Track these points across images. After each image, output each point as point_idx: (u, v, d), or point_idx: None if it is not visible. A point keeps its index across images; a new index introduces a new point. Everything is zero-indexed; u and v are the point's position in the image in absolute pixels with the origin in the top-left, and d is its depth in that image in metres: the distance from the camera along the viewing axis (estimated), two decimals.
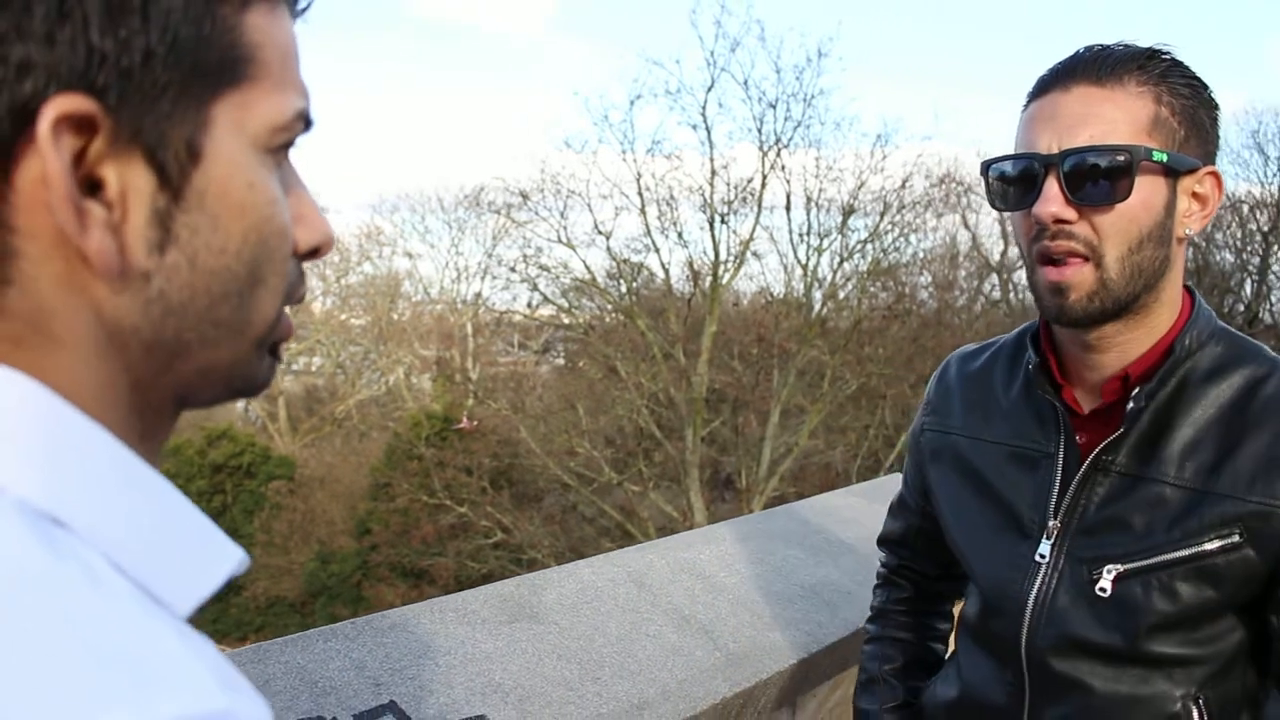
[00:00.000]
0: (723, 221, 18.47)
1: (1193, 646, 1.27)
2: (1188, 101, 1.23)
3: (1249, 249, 20.32)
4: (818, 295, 19.13)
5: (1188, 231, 1.26)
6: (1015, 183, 1.26)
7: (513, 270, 21.06)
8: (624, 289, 19.72)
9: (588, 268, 19.87)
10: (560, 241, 19.71)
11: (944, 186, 20.19)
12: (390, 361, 31.09)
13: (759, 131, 18.40)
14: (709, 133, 18.47)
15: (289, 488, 23.88)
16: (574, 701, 1.88)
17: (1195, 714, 1.28)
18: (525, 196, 19.97)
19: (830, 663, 2.33)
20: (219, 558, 0.56)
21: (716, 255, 18.43)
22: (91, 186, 0.50)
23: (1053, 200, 1.20)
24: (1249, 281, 20.40)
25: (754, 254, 19.26)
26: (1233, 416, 1.25)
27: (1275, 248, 20.05)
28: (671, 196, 18.77)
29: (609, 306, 20.04)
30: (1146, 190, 1.20)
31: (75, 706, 0.39)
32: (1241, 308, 20.13)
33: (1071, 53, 1.26)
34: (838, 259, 18.94)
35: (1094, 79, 1.21)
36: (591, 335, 19.64)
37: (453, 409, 22.33)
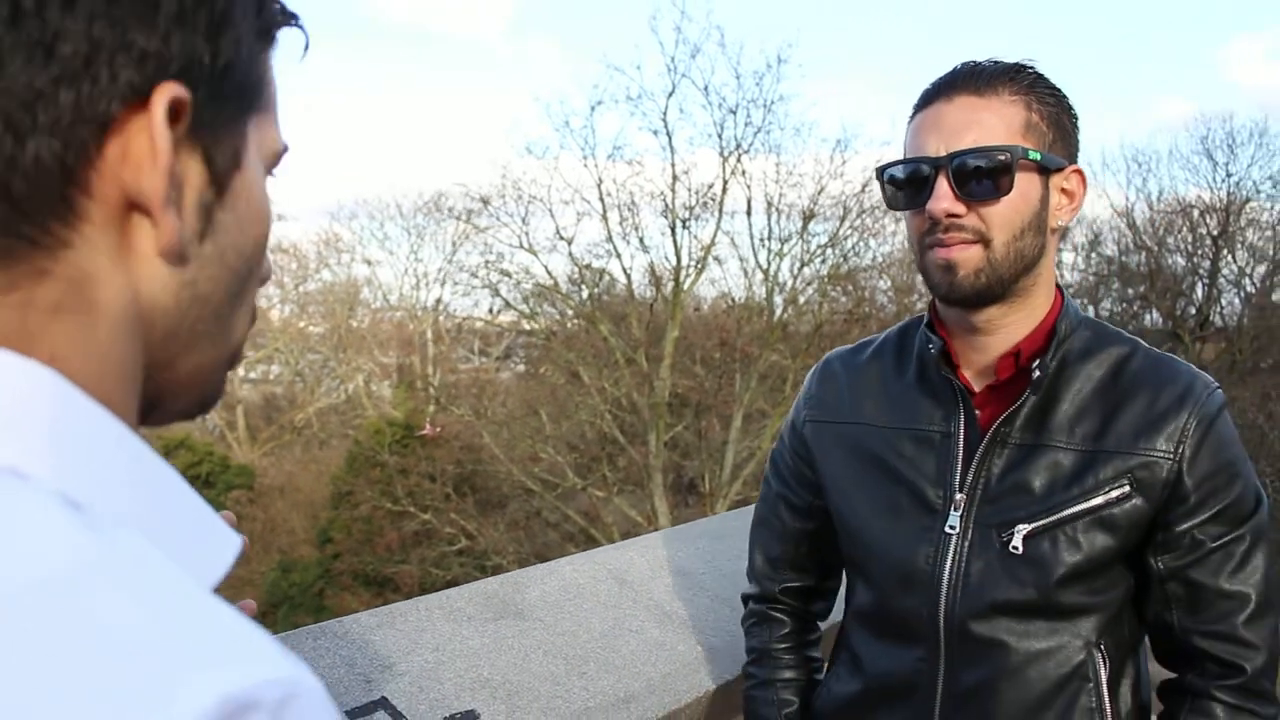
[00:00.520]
0: (684, 227, 18.54)
1: (1093, 595, 1.42)
2: (1053, 108, 1.41)
3: (1199, 253, 20.69)
4: (779, 300, 19.23)
5: (1060, 223, 1.44)
6: (908, 184, 1.42)
7: (474, 276, 21.00)
8: (586, 294, 19.71)
9: (550, 273, 19.86)
10: (522, 247, 19.69)
11: None
12: (350, 369, 30.86)
13: (719, 137, 18.49)
14: (670, 138, 18.53)
15: (248, 497, 23.60)
16: (561, 696, 1.91)
17: (1098, 658, 1.42)
18: (486, 202, 19.92)
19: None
20: (223, 544, 0.58)
21: (678, 260, 18.49)
22: None
23: (944, 197, 1.36)
24: (1200, 285, 20.76)
25: (715, 259, 19.36)
26: (1108, 387, 1.44)
27: (1225, 252, 20.44)
28: (633, 202, 18.81)
29: (571, 312, 20.03)
30: (1024, 185, 1.37)
31: (164, 675, 0.41)
32: (1193, 310, 20.49)
33: (950, 69, 1.42)
34: (798, 264, 19.07)
35: (973, 90, 1.38)
36: (554, 341, 19.62)
37: (414, 416, 22.20)
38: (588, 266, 19.50)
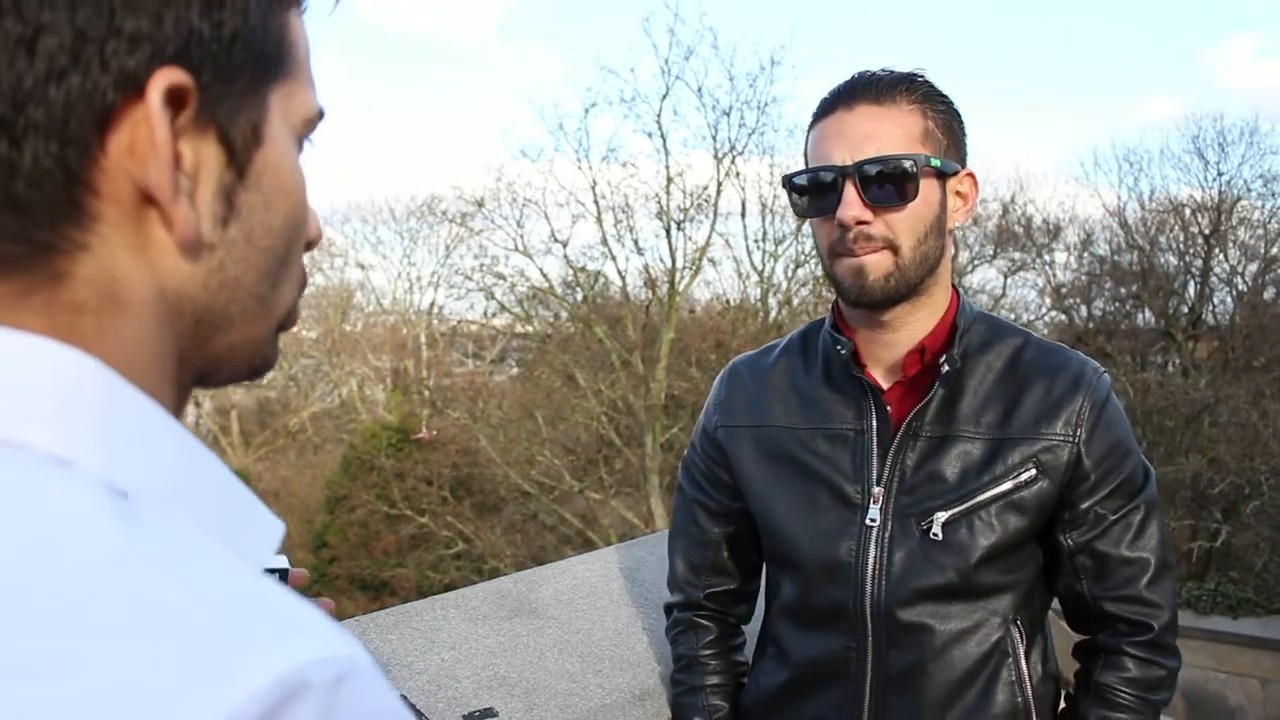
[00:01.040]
0: (679, 229, 18.56)
1: (1007, 574, 1.52)
2: (945, 115, 1.49)
3: (1191, 252, 20.71)
4: (774, 302, 19.26)
5: (956, 224, 1.51)
6: (816, 192, 1.46)
7: (468, 279, 20.98)
8: (581, 297, 19.71)
9: (544, 276, 19.85)
10: (516, 250, 19.70)
11: None
12: (344, 373, 30.80)
13: (714, 139, 18.51)
14: (664, 140, 18.55)
15: None
16: (578, 693, 1.92)
17: (1015, 632, 1.53)
18: (480, 205, 19.92)
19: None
20: (268, 528, 0.58)
21: (673, 262, 18.51)
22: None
23: (852, 205, 1.41)
24: (1192, 284, 20.79)
25: (710, 261, 19.34)
26: (1007, 377, 1.53)
27: (1217, 250, 20.49)
28: (627, 204, 18.82)
29: (566, 315, 20.03)
30: (926, 191, 1.44)
31: (219, 654, 0.41)
32: (1186, 309, 20.53)
33: (847, 78, 1.48)
34: (793, 265, 19.10)
35: (873, 99, 1.44)
36: (549, 343, 19.61)
37: (409, 420, 22.17)
38: (582, 269, 19.50)
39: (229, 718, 0.39)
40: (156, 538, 0.46)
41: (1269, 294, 20.06)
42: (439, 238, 29.56)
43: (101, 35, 0.48)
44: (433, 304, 30.30)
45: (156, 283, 0.54)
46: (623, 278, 19.34)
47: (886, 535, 1.50)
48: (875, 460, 1.53)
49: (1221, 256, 20.61)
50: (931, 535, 1.48)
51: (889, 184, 1.40)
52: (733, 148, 18.41)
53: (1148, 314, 20.82)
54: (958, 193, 1.51)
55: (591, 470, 18.58)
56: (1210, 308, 20.73)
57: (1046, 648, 1.60)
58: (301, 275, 0.65)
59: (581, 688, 1.94)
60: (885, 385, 1.55)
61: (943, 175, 1.46)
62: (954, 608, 1.50)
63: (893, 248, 1.43)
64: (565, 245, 19.23)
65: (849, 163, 1.41)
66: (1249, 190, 20.26)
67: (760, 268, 19.20)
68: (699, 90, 19.65)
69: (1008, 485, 1.48)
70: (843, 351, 1.53)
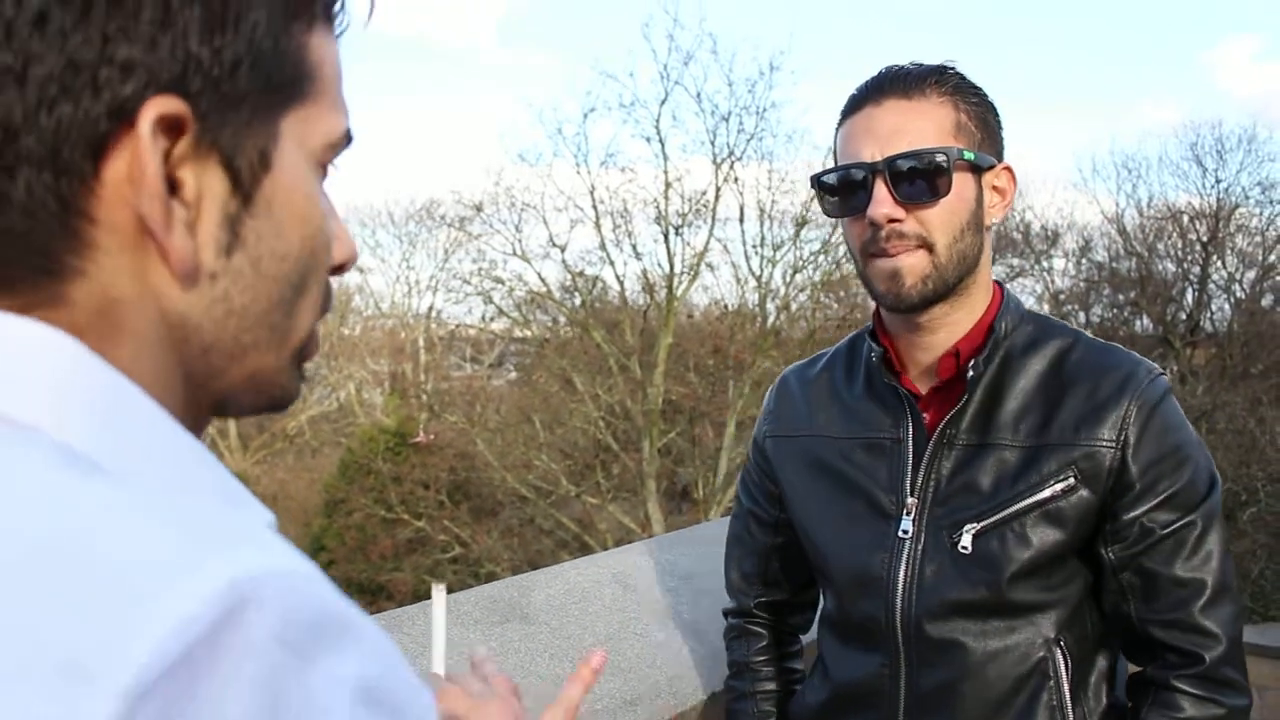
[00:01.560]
0: (677, 234, 18.55)
1: (1048, 592, 1.42)
2: (978, 108, 1.42)
3: (1189, 259, 20.75)
4: (771, 307, 19.25)
5: (993, 220, 1.45)
6: (845, 191, 1.41)
7: (466, 283, 20.97)
8: (579, 301, 19.72)
9: (543, 280, 19.85)
10: (515, 254, 19.69)
11: None
12: (342, 377, 30.78)
13: (712, 144, 18.51)
14: (663, 146, 18.54)
15: None
16: None
17: (1059, 655, 1.42)
18: (479, 209, 19.91)
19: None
20: (259, 516, 0.57)
21: (671, 267, 18.50)
22: (170, 186, 0.52)
23: (883, 202, 1.36)
24: (1190, 291, 20.82)
25: (708, 266, 19.35)
26: (1050, 381, 1.43)
27: (1215, 257, 20.52)
28: (626, 209, 18.81)
29: (564, 319, 20.03)
30: (960, 186, 1.38)
31: (176, 559, 0.42)
32: (1184, 316, 20.55)
33: (875, 74, 1.43)
34: (791, 270, 19.07)
35: (902, 93, 1.39)
36: (547, 348, 19.61)
37: (406, 423, 22.16)
38: (580, 273, 19.50)
39: (181, 623, 0.39)
40: (111, 483, 0.46)
41: (1267, 301, 20.09)
42: (438, 242, 29.60)
43: (93, 63, 0.48)
44: (431, 308, 30.30)
45: (159, 309, 0.53)
46: (621, 283, 19.37)
47: (919, 548, 1.45)
48: (909, 469, 1.47)
49: (1219, 264, 20.64)
50: (960, 548, 1.41)
51: (921, 179, 1.35)
52: (731, 153, 18.43)
53: (1146, 321, 20.84)
54: (995, 187, 1.44)
55: (589, 475, 18.57)
56: (1208, 315, 20.76)
57: (1109, 676, 1.48)
58: (323, 301, 0.63)
59: None
60: (922, 391, 1.49)
61: (978, 169, 1.40)
62: (989, 625, 1.42)
63: (927, 246, 1.37)
64: (564, 250, 19.23)
65: (878, 159, 1.36)
66: (1247, 197, 20.31)
67: (758, 273, 19.21)
68: (698, 95, 19.67)
69: (1043, 495, 1.38)
70: (874, 357, 1.49)
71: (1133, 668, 1.51)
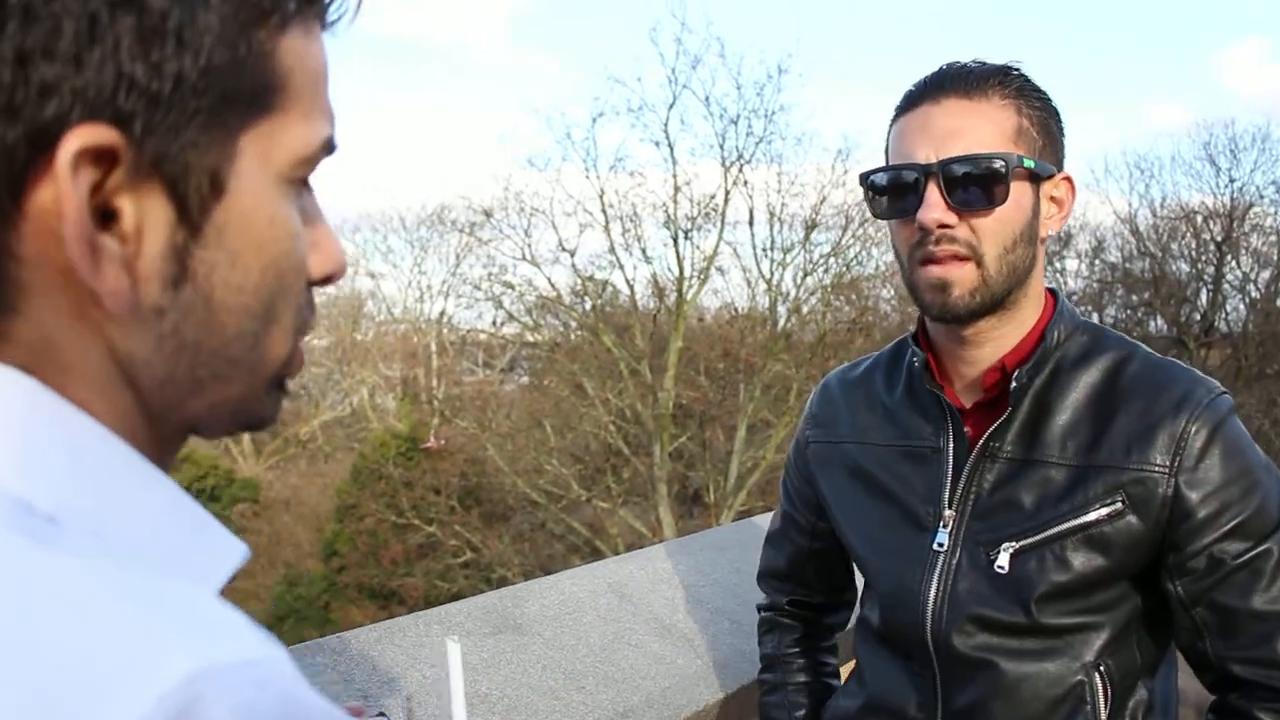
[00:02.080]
0: (686, 237, 18.57)
1: (1088, 615, 1.34)
2: (1041, 113, 1.35)
3: (1204, 259, 20.65)
4: (782, 310, 19.24)
5: (1050, 232, 1.38)
6: (896, 192, 1.35)
7: (477, 288, 21.05)
8: (589, 306, 19.74)
9: (553, 285, 19.90)
10: (524, 259, 19.73)
11: None
12: (354, 382, 30.86)
13: (721, 148, 18.53)
14: (671, 149, 18.59)
15: (254, 511, 23.64)
16: (560, 711, 1.90)
17: (1098, 681, 1.35)
18: (489, 214, 19.97)
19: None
20: (226, 551, 0.55)
21: (681, 271, 18.51)
22: (106, 216, 0.47)
23: (935, 206, 1.28)
24: (1204, 291, 20.72)
25: (718, 269, 19.36)
26: (1104, 396, 1.35)
27: (1229, 258, 20.40)
28: (635, 213, 18.86)
29: (574, 323, 20.05)
30: (1018, 194, 1.30)
31: (132, 653, 0.40)
32: (1198, 317, 20.44)
33: (936, 69, 1.36)
34: (801, 273, 19.07)
35: (962, 93, 1.31)
36: (557, 352, 19.64)
37: (419, 428, 22.21)
38: (590, 278, 19.54)
39: None
40: (69, 553, 0.44)
41: None
42: (449, 246, 29.65)
43: (7, 85, 0.43)
44: (442, 313, 30.36)
45: (104, 347, 0.50)
46: (631, 286, 19.40)
47: (953, 562, 1.39)
48: (949, 481, 1.41)
49: (1234, 263, 20.53)
50: (997, 567, 1.35)
51: (976, 185, 1.28)
52: (740, 156, 18.44)
53: (1160, 321, 20.74)
54: (1053, 198, 1.37)
55: (599, 479, 18.57)
56: (1223, 315, 20.65)
57: (1154, 706, 1.40)
58: (301, 321, 0.58)
59: (564, 705, 1.92)
60: (967, 403, 1.42)
61: (1036, 178, 1.33)
62: (1023, 645, 1.35)
63: (977, 257, 1.30)
64: (573, 254, 19.28)
65: (933, 161, 1.28)
66: (1261, 197, 20.21)
67: (769, 276, 19.19)
68: (706, 99, 19.63)
69: (1087, 518, 1.31)
70: (916, 362, 1.43)
71: (1200, 689, 1.43)
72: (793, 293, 19.22)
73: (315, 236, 0.59)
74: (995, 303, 1.33)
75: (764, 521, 3.30)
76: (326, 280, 0.60)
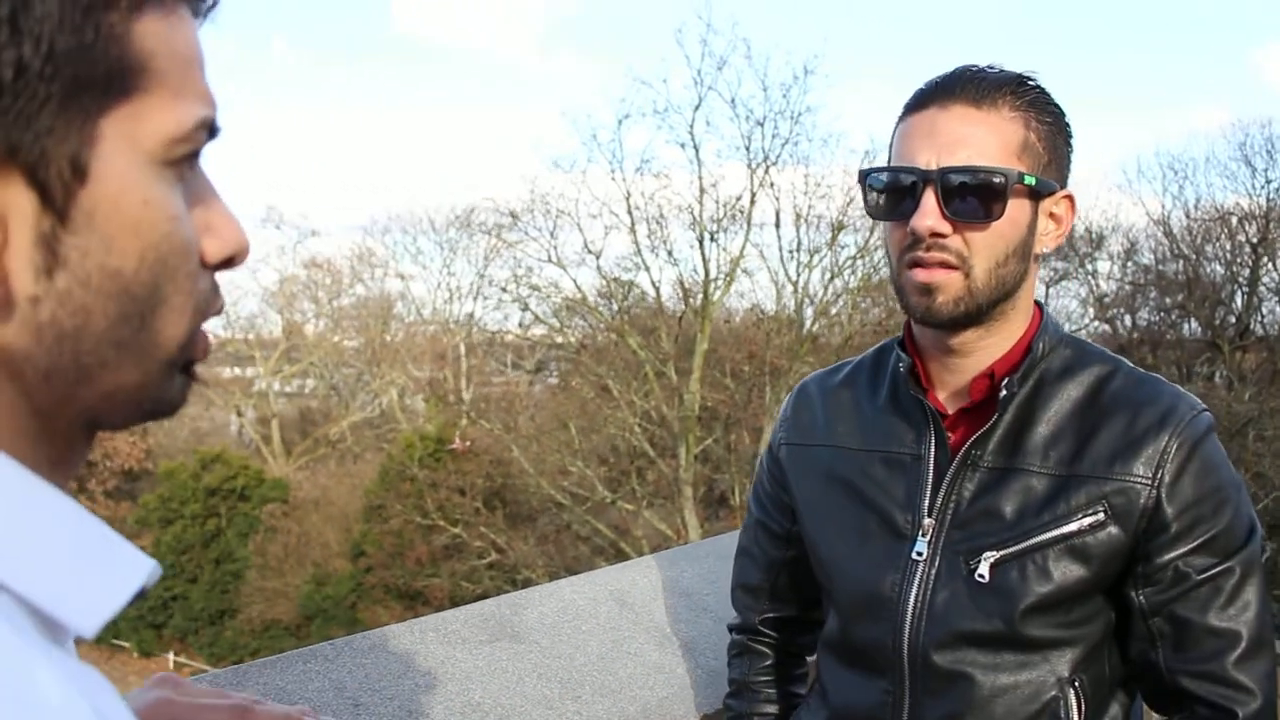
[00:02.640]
0: (712, 239, 18.54)
1: (1066, 629, 1.34)
2: (1051, 128, 1.33)
3: (1239, 261, 20.40)
4: (809, 312, 19.17)
5: (1045, 249, 1.37)
6: (893, 194, 1.34)
7: (504, 290, 21.10)
8: (615, 308, 19.75)
9: (578, 287, 19.91)
10: (550, 261, 19.76)
11: None
12: (383, 383, 31.07)
13: (747, 149, 18.49)
14: (697, 151, 18.56)
15: (283, 510, 23.83)
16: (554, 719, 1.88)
17: (1072, 696, 1.34)
18: (515, 217, 20.03)
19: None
20: (128, 571, 0.54)
21: (707, 273, 18.48)
22: None
23: (930, 214, 1.28)
24: (1239, 293, 20.46)
25: (744, 271, 19.30)
26: (1086, 409, 1.36)
27: (1265, 259, 20.13)
28: (661, 215, 18.83)
29: (600, 325, 20.06)
30: (1015, 210, 1.30)
31: None
32: (1233, 319, 20.19)
33: (948, 71, 1.34)
34: (828, 275, 18.99)
35: (972, 100, 1.30)
36: (583, 354, 19.65)
37: (446, 430, 22.31)
38: (616, 280, 19.56)
39: None
40: None
41: None
42: (478, 248, 29.79)
43: None
44: (471, 314, 30.50)
45: None
46: (656, 288, 19.39)
47: (932, 572, 1.37)
48: (929, 489, 1.40)
49: (1270, 266, 20.27)
50: (977, 577, 1.34)
51: (973, 197, 1.27)
52: (766, 157, 18.39)
53: (1193, 324, 20.51)
54: (1052, 214, 1.36)
55: (625, 481, 18.57)
56: (1258, 318, 20.38)
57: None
58: (201, 303, 0.58)
59: (559, 714, 1.90)
60: (950, 411, 1.41)
61: (1037, 194, 1.32)
62: (1000, 658, 1.34)
63: (965, 268, 1.29)
64: (599, 256, 19.30)
65: (933, 167, 1.28)
66: None
67: (795, 278, 19.12)
68: (732, 100, 19.64)
69: (1069, 528, 1.31)
70: (901, 367, 1.42)
71: (1155, 717, 1.45)
72: (819, 295, 19.16)
73: (209, 219, 0.58)
74: (980, 313, 1.33)
75: None
76: (227, 263, 0.59)
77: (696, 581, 2.56)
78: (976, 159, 1.27)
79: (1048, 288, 21.52)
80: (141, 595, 0.55)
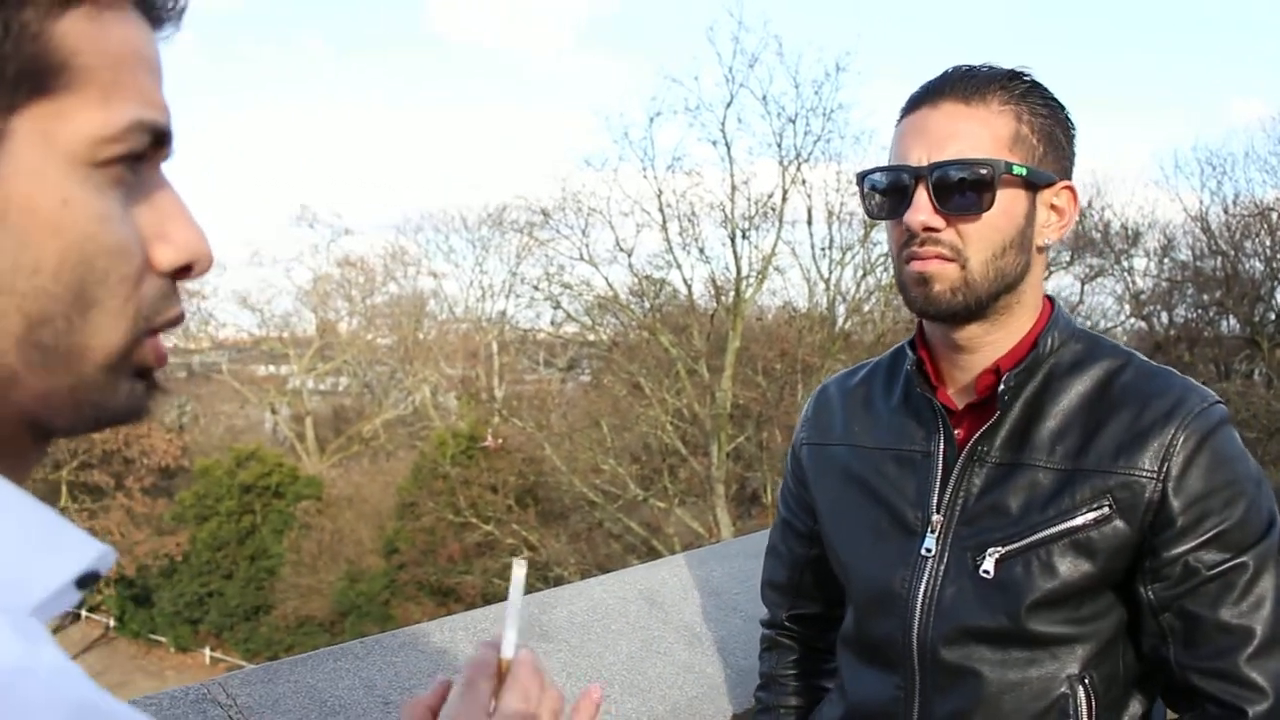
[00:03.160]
0: (744, 237, 18.48)
1: (1075, 625, 1.33)
2: (1045, 120, 1.35)
3: (1278, 257, 20.09)
4: (841, 309, 19.09)
5: (1046, 241, 1.38)
6: (888, 193, 1.36)
7: (536, 288, 21.15)
8: (647, 305, 19.75)
9: (610, 285, 19.92)
10: (582, 259, 19.78)
11: None
12: (416, 381, 31.24)
13: (779, 146, 18.42)
14: (729, 148, 18.50)
15: (317, 508, 24.04)
16: None
17: (1081, 693, 1.33)
18: (547, 215, 20.08)
19: None
20: (71, 554, 0.52)
21: (739, 270, 18.44)
22: None
23: (922, 209, 1.30)
24: (1279, 290, 20.15)
25: (776, 269, 19.24)
26: (1095, 403, 1.36)
27: None
28: (693, 213, 18.81)
29: (632, 323, 20.07)
30: (1007, 201, 1.31)
31: None
32: (1272, 316, 19.89)
33: (940, 72, 1.36)
34: (860, 272, 18.90)
35: (961, 97, 1.32)
36: (615, 352, 19.67)
37: (478, 427, 22.41)
38: (648, 278, 19.56)
39: None
40: None
41: None
42: (510, 246, 29.88)
43: None
44: (503, 313, 30.60)
45: None
46: (688, 286, 19.37)
47: (941, 568, 1.38)
48: (937, 485, 1.41)
49: None
50: (982, 572, 1.34)
51: (963, 190, 1.29)
52: (798, 155, 18.32)
53: (1232, 321, 20.21)
54: (1052, 206, 1.36)
55: (657, 479, 18.58)
56: None
57: (1142, 718, 1.39)
58: (144, 308, 0.56)
59: None
60: (959, 407, 1.42)
61: (1032, 185, 1.33)
62: (1009, 654, 1.34)
63: (961, 259, 1.31)
64: (630, 254, 19.29)
65: (924, 164, 1.30)
66: None
67: (827, 275, 19.05)
68: (764, 98, 19.52)
69: (1073, 523, 1.30)
70: (909, 365, 1.44)
71: (1171, 715, 1.42)
72: (852, 292, 19.07)
73: (162, 225, 0.57)
74: (980, 305, 1.33)
75: None
76: (185, 271, 0.58)
77: (726, 580, 2.55)
78: (966, 153, 1.29)
79: (1083, 285, 21.34)
80: (94, 579, 0.53)
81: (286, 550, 23.60)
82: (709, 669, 2.14)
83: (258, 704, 1.65)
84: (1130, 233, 21.50)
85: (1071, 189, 1.39)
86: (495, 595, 18.08)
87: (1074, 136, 1.39)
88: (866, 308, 19.17)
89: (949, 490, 1.40)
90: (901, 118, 1.39)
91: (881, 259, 18.61)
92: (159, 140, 0.56)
